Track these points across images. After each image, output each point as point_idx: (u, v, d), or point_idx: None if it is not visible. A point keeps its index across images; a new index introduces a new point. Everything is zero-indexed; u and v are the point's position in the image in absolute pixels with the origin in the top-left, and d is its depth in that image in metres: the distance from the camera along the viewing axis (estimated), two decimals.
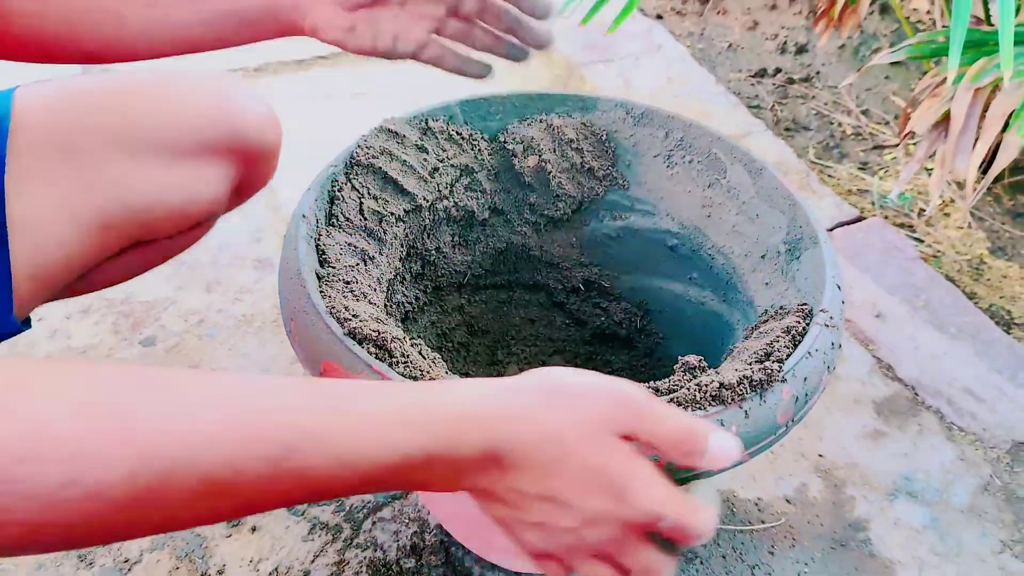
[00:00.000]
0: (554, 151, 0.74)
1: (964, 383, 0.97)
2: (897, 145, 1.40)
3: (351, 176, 0.66)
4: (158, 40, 0.57)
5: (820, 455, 0.90)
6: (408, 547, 0.79)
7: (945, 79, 0.98)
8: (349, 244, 0.62)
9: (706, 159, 0.72)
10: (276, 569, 0.77)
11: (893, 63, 1.60)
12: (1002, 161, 0.90)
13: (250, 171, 0.65)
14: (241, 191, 0.67)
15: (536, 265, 0.81)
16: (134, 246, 0.61)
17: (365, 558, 0.78)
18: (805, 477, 0.88)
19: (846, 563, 0.80)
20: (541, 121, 0.75)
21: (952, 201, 1.28)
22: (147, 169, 0.57)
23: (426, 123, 0.71)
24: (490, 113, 0.75)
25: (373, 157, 0.66)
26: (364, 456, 0.33)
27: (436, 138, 0.71)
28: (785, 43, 1.68)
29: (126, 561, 0.77)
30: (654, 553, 0.37)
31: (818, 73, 1.60)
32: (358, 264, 0.61)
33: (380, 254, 0.66)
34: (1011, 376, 0.98)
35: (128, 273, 0.67)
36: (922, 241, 1.21)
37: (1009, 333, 1.05)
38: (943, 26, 1.33)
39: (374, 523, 0.81)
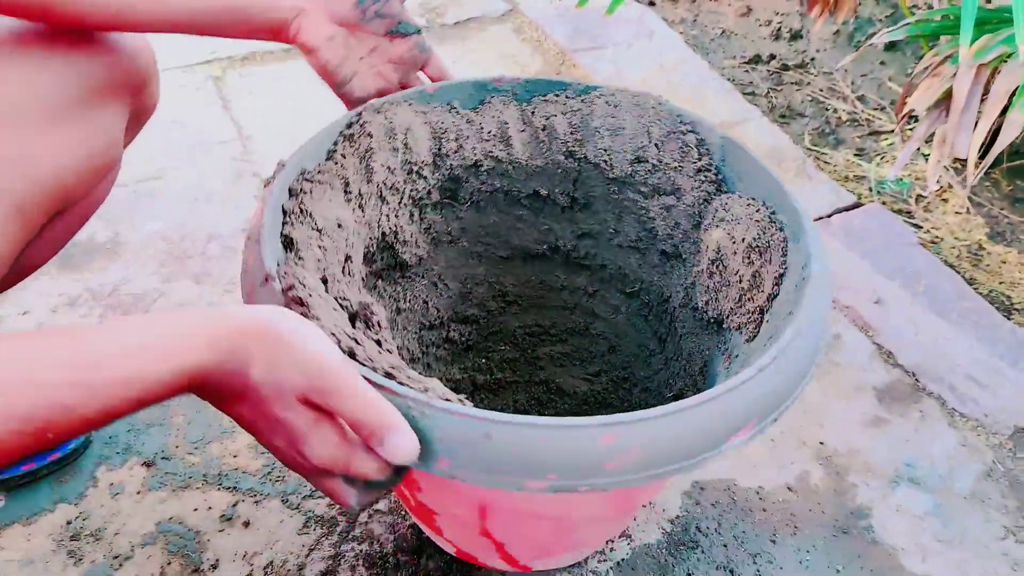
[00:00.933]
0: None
1: (966, 369, 0.96)
2: (893, 131, 1.39)
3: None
4: (159, 23, 0.59)
5: (821, 442, 0.89)
6: (404, 540, 0.77)
7: (946, 59, 0.97)
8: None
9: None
10: (271, 563, 0.75)
11: (888, 48, 1.59)
12: (1004, 140, 0.89)
13: (137, 101, 0.65)
14: (132, 124, 0.67)
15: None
16: (52, 218, 0.59)
17: (361, 552, 0.76)
18: (806, 464, 0.87)
19: (848, 550, 0.79)
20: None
21: (950, 187, 1.27)
22: (43, 136, 0.55)
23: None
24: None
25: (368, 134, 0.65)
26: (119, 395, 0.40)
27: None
28: (779, 29, 1.67)
29: (116, 557, 0.75)
30: (339, 484, 0.46)
31: (813, 59, 1.59)
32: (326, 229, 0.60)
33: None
34: (1013, 362, 0.97)
35: (55, 247, 0.66)
36: (921, 227, 1.20)
37: (1009, 319, 1.04)
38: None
39: (370, 516, 0.79)
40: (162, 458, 0.84)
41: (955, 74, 0.90)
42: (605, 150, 0.70)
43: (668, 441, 0.45)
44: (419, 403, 0.45)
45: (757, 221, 0.59)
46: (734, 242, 0.60)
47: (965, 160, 1.00)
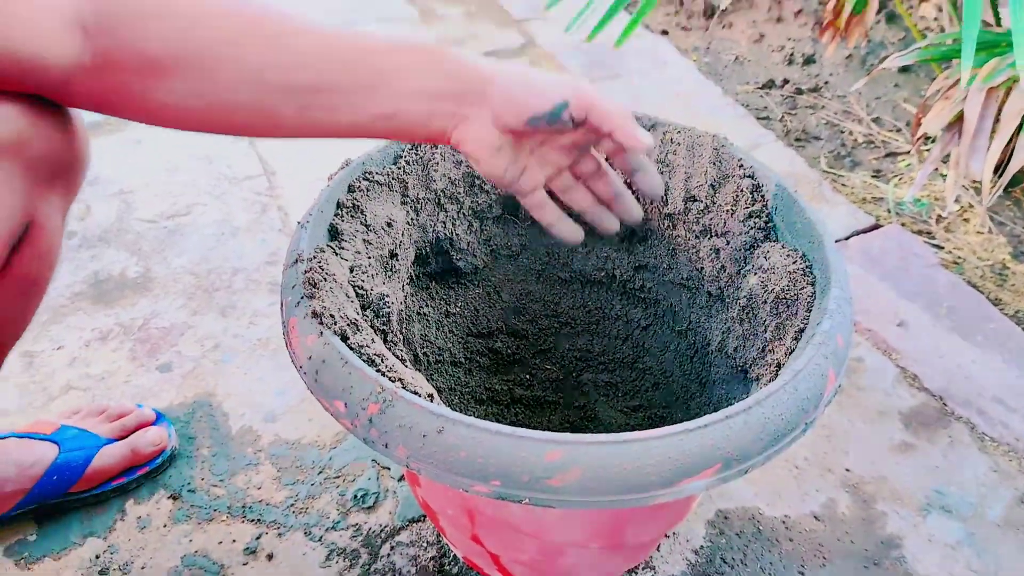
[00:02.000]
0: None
1: (994, 392, 0.95)
2: (910, 151, 1.38)
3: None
4: (306, 134, 0.54)
5: (847, 469, 0.88)
6: (426, 572, 0.77)
7: (957, 81, 0.97)
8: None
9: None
10: None
11: (902, 70, 1.60)
12: (1018, 162, 0.88)
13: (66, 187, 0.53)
14: (57, 169, 0.52)
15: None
16: None
17: None
18: (833, 492, 0.86)
19: None
20: None
21: (971, 206, 1.26)
22: None
23: None
24: None
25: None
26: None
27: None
28: (792, 54, 1.68)
29: None
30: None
31: (826, 83, 1.59)
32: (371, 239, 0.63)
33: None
34: None
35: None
36: (942, 248, 1.20)
37: None
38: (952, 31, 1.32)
39: (392, 548, 0.79)
40: (188, 490, 0.85)
41: (963, 95, 0.90)
42: (663, 185, 0.71)
43: (614, 469, 0.45)
44: (386, 390, 0.48)
45: (791, 272, 0.58)
46: (766, 290, 0.60)
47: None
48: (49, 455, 0.81)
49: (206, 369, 0.97)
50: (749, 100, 1.55)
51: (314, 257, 0.56)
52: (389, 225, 0.66)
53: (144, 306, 1.05)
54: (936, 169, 1.09)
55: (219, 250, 1.14)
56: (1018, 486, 0.86)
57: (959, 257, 1.18)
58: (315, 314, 0.52)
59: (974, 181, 1.28)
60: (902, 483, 0.86)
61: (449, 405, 0.79)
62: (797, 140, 1.45)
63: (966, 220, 1.25)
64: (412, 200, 0.70)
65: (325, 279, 0.54)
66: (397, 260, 0.68)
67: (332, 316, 0.52)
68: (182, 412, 0.93)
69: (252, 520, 0.83)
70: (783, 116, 1.51)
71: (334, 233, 0.61)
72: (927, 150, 1.32)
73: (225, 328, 1.03)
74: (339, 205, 0.63)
